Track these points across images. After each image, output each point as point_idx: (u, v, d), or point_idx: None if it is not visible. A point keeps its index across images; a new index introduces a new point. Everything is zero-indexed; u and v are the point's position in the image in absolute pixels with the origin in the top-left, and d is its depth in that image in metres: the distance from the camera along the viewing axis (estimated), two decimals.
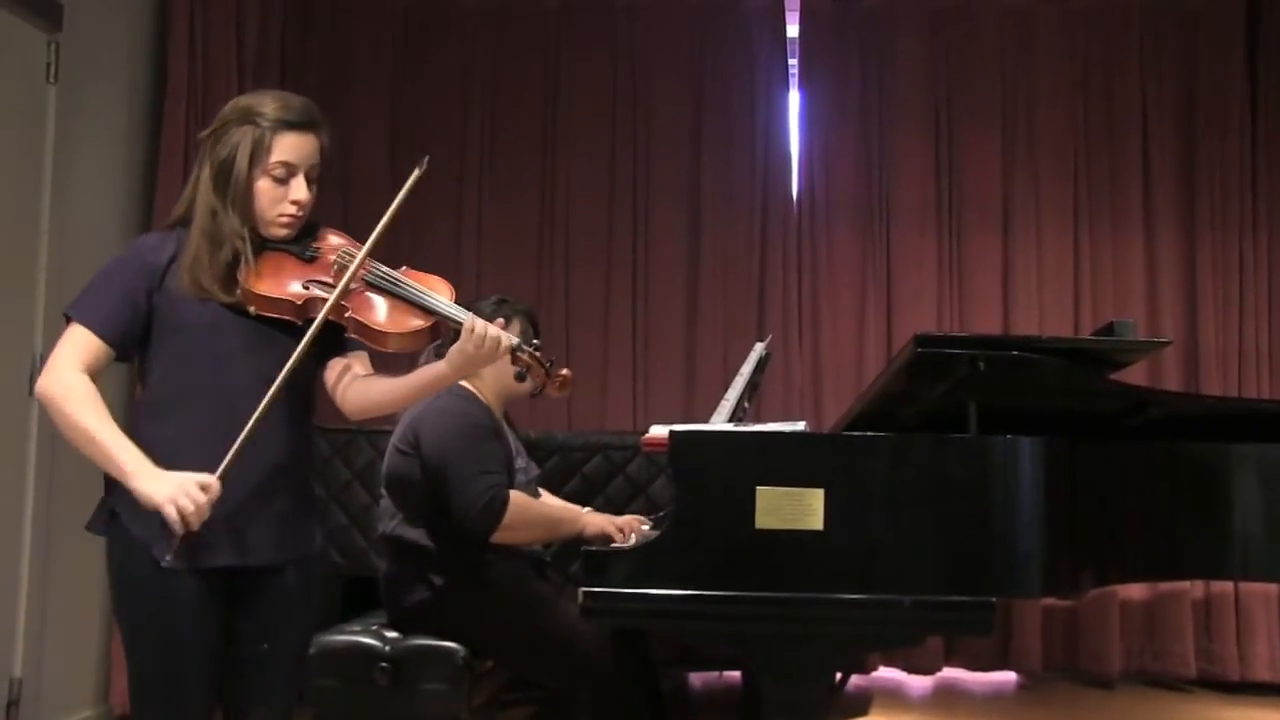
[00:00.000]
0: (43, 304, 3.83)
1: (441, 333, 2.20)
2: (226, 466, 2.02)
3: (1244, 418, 2.82)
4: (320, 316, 2.10)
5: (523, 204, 5.41)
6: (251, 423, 2.03)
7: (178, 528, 1.97)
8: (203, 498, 1.98)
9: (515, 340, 2.19)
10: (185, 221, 2.19)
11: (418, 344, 2.19)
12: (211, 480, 2.00)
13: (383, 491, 3.15)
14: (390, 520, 3.09)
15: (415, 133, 5.38)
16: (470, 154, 5.40)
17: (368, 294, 2.17)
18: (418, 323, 2.16)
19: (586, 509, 3.39)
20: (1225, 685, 5.08)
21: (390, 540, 3.08)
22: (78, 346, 2.11)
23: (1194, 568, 2.86)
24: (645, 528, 3.20)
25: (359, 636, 3.00)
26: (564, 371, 2.26)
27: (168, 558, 2.01)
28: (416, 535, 3.03)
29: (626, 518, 3.31)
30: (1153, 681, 5.16)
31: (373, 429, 4.07)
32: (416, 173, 2.19)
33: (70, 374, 2.08)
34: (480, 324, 2.15)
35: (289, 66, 5.06)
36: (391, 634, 3.02)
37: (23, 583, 3.74)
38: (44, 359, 3.71)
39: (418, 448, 3.03)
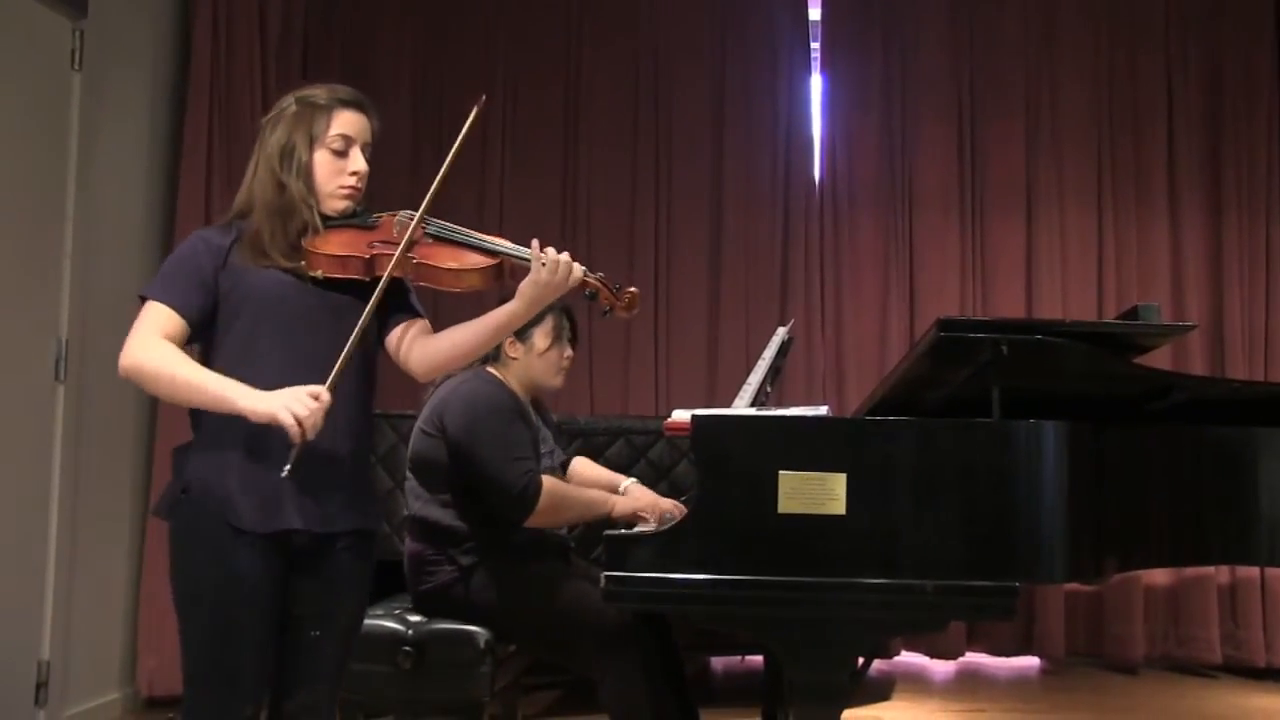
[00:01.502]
0: (67, 290, 3.85)
1: (506, 272, 2.28)
2: (334, 379, 2.08)
3: (1270, 402, 2.80)
4: (391, 265, 2.18)
5: (544, 189, 5.42)
6: (350, 342, 2.10)
7: (295, 434, 2.02)
8: (315, 404, 2.04)
9: (582, 267, 2.28)
10: (243, 215, 2.24)
11: (485, 283, 2.27)
12: (321, 390, 2.06)
13: (408, 474, 3.16)
14: (416, 501, 3.11)
15: (438, 116, 5.38)
16: (492, 139, 5.39)
17: (432, 244, 2.27)
18: (484, 259, 2.25)
19: (631, 479, 3.41)
20: (1251, 671, 5.06)
21: (417, 521, 3.10)
22: (157, 320, 2.13)
23: (1219, 553, 2.84)
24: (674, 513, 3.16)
25: (382, 620, 3.01)
26: (631, 289, 2.34)
27: (285, 468, 2.04)
28: (443, 516, 3.05)
29: (658, 500, 3.26)
30: (1177, 667, 5.15)
31: (395, 414, 4.08)
32: (476, 110, 2.25)
33: (154, 339, 2.12)
34: (549, 251, 2.22)
35: (311, 53, 5.08)
36: (414, 618, 3.03)
37: (50, 567, 3.77)
38: (69, 345, 3.81)
39: (444, 430, 3.04)
